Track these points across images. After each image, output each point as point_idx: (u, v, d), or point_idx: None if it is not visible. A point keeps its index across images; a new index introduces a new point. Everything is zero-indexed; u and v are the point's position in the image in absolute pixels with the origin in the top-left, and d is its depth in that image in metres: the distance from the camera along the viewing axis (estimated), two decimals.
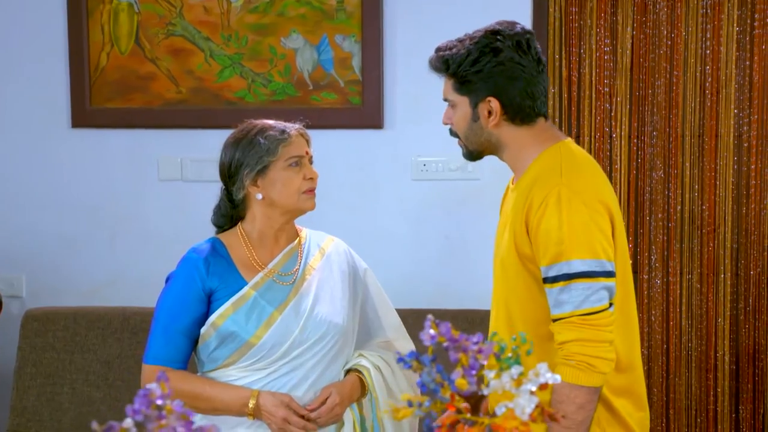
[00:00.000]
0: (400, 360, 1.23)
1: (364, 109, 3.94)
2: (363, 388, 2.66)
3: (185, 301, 2.58)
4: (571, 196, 2.24)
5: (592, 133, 3.96)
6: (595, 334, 2.21)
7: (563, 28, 3.95)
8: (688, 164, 3.97)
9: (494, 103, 2.34)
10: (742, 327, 3.99)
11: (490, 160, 3.82)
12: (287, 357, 2.56)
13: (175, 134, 4.06)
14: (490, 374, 1.21)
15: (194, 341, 2.60)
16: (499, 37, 2.37)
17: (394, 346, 2.77)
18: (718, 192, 3.96)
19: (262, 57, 4.00)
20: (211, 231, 4.01)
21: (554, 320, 2.27)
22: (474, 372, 1.20)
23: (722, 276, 3.98)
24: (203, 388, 2.55)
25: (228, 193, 2.67)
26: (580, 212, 2.23)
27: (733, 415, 4.04)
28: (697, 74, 3.94)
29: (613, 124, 3.97)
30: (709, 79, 3.93)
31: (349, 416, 2.64)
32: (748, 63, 3.92)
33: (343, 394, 2.59)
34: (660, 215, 3.97)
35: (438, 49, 2.42)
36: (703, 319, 3.99)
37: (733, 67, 3.91)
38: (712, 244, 3.98)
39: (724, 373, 4.00)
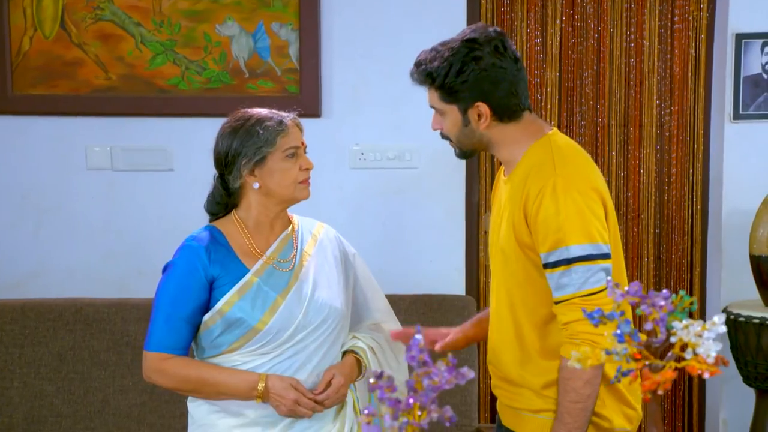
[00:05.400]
0: (588, 316, 1.27)
1: (301, 98, 3.92)
2: (359, 369, 2.70)
3: (188, 289, 2.55)
4: (566, 186, 2.35)
5: None
6: None
7: (495, 20, 4.05)
8: (614, 153, 4.12)
9: (483, 108, 2.42)
10: None
11: (426, 150, 3.91)
12: (291, 341, 2.57)
13: (104, 122, 3.94)
14: (678, 325, 1.27)
15: (196, 328, 2.57)
16: (476, 44, 2.41)
17: (383, 328, 2.83)
18: (641, 179, 4.13)
19: (196, 44, 3.93)
20: (145, 222, 3.96)
21: (557, 302, 2.36)
22: (664, 323, 1.26)
23: (646, 260, 4.15)
24: (209, 373, 2.53)
25: (223, 182, 2.64)
26: (576, 200, 2.34)
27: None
28: (622, 66, 4.10)
29: (543, 113, 4.09)
30: (633, 71, 4.10)
31: (349, 396, 2.68)
32: (668, 56, 4.10)
33: (345, 375, 2.63)
34: None
35: (418, 63, 2.46)
36: None
37: (656, 59, 4.09)
38: (636, 230, 4.15)
39: None
